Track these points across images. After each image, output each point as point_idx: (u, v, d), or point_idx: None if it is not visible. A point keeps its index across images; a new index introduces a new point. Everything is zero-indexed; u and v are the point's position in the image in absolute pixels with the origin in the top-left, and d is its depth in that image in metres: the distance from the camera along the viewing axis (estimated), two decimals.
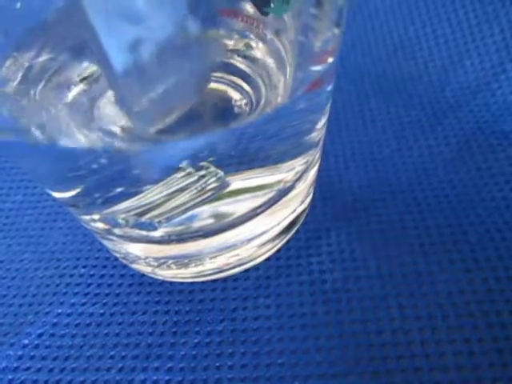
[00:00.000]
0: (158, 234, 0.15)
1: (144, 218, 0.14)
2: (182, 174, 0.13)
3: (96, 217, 0.15)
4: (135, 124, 0.14)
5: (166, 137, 0.14)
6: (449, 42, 0.24)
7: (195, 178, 0.13)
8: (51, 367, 0.15)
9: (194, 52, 0.13)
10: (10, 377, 0.15)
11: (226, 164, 0.13)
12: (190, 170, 0.13)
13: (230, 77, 0.15)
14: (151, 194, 0.13)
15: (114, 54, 0.11)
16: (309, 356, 0.15)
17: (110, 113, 0.14)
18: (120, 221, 0.14)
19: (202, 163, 0.13)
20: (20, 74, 0.13)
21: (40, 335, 0.16)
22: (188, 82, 0.13)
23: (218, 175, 0.13)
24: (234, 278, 0.17)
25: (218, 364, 0.15)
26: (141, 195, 0.13)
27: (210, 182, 0.13)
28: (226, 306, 0.16)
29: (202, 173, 0.13)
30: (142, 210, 0.14)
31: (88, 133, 0.14)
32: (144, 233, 0.15)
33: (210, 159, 0.13)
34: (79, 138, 0.14)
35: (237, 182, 0.14)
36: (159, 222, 0.14)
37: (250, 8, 0.14)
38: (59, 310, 0.17)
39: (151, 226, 0.14)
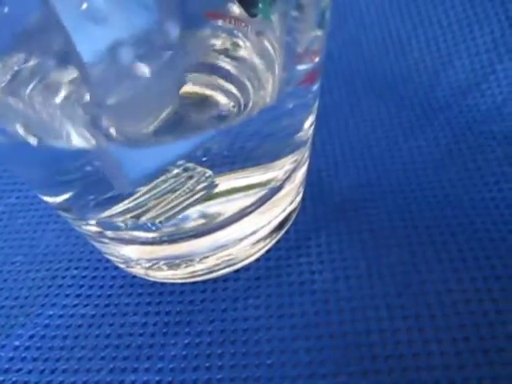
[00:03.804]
0: (150, 235, 0.15)
1: (142, 221, 0.14)
2: (169, 175, 0.13)
3: (91, 221, 0.15)
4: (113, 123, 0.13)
5: (153, 139, 0.14)
6: (439, 42, 0.24)
7: (182, 179, 0.13)
8: (42, 368, 0.15)
9: (167, 55, 0.13)
10: (0, 378, 0.15)
11: (217, 164, 0.13)
12: (177, 171, 0.13)
13: (218, 79, 0.15)
14: (139, 196, 0.13)
15: (86, 55, 0.11)
16: (298, 356, 0.15)
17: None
18: (119, 224, 0.14)
19: (188, 164, 0.13)
20: (9, 77, 0.13)
21: (31, 337, 0.16)
22: (161, 84, 0.13)
23: (207, 174, 0.13)
24: (225, 279, 0.17)
25: (207, 364, 0.15)
26: (131, 198, 0.13)
27: (199, 182, 0.13)
28: (216, 307, 0.16)
29: (190, 174, 0.13)
30: (136, 212, 0.14)
31: (77, 133, 0.14)
32: (137, 234, 0.15)
33: (202, 160, 0.13)
34: (68, 140, 0.14)
35: (228, 181, 0.14)
36: (160, 222, 0.14)
37: (236, 9, 0.14)
38: (50, 312, 0.17)
39: (154, 227, 0.14)
